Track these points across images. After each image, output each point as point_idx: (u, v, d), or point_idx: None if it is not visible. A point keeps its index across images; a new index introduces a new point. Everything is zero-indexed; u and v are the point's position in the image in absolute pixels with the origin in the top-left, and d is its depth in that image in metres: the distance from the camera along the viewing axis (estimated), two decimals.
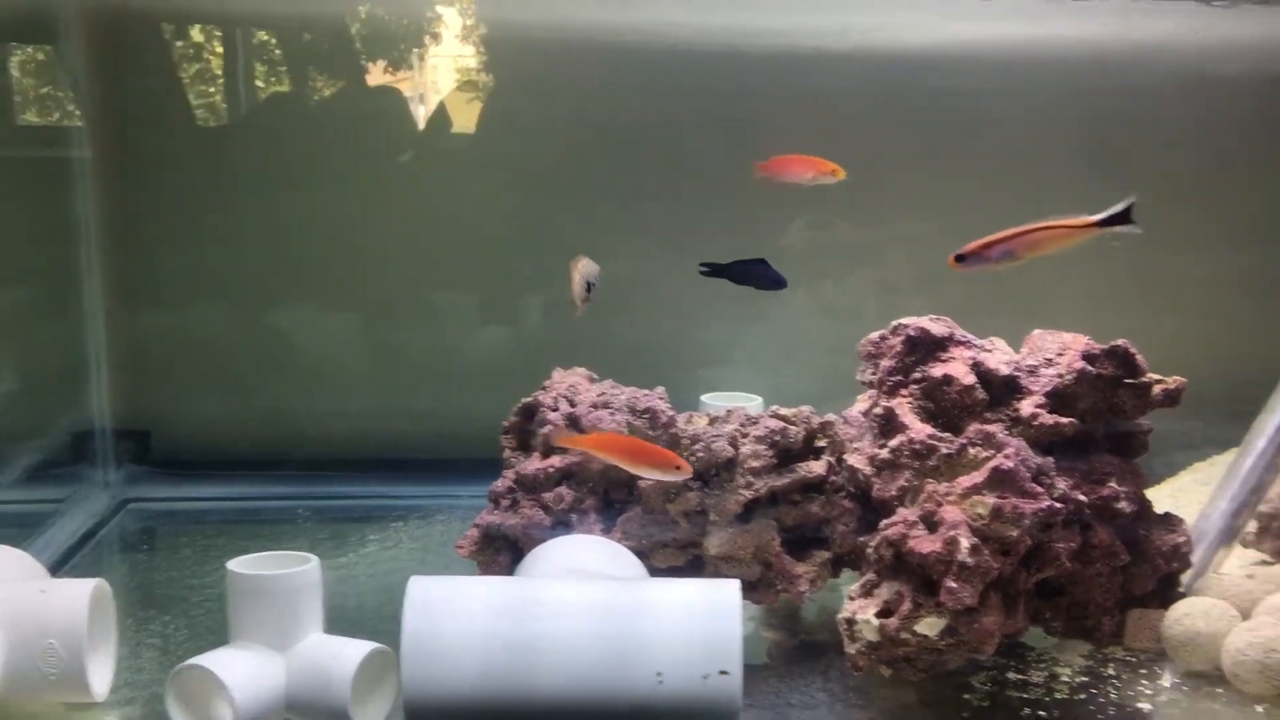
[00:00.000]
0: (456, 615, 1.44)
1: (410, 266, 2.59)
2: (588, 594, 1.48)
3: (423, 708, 1.42)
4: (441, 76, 2.65)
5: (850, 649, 1.60)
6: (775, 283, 1.76)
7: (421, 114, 2.62)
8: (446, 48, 2.65)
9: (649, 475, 1.68)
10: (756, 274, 1.79)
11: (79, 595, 1.52)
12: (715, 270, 1.77)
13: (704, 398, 2.15)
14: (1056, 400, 1.71)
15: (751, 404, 2.08)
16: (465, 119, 2.62)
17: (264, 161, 2.56)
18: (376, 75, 2.61)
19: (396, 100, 2.60)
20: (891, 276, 2.60)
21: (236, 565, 1.52)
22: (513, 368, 2.56)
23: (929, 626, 1.54)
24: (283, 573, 1.51)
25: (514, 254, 2.59)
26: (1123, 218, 1.59)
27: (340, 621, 1.63)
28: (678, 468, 1.62)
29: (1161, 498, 2.25)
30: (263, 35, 2.64)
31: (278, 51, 2.68)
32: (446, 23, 2.63)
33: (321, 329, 2.60)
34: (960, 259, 1.64)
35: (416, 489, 2.42)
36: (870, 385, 1.83)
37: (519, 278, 2.62)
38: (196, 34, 2.63)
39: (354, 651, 1.49)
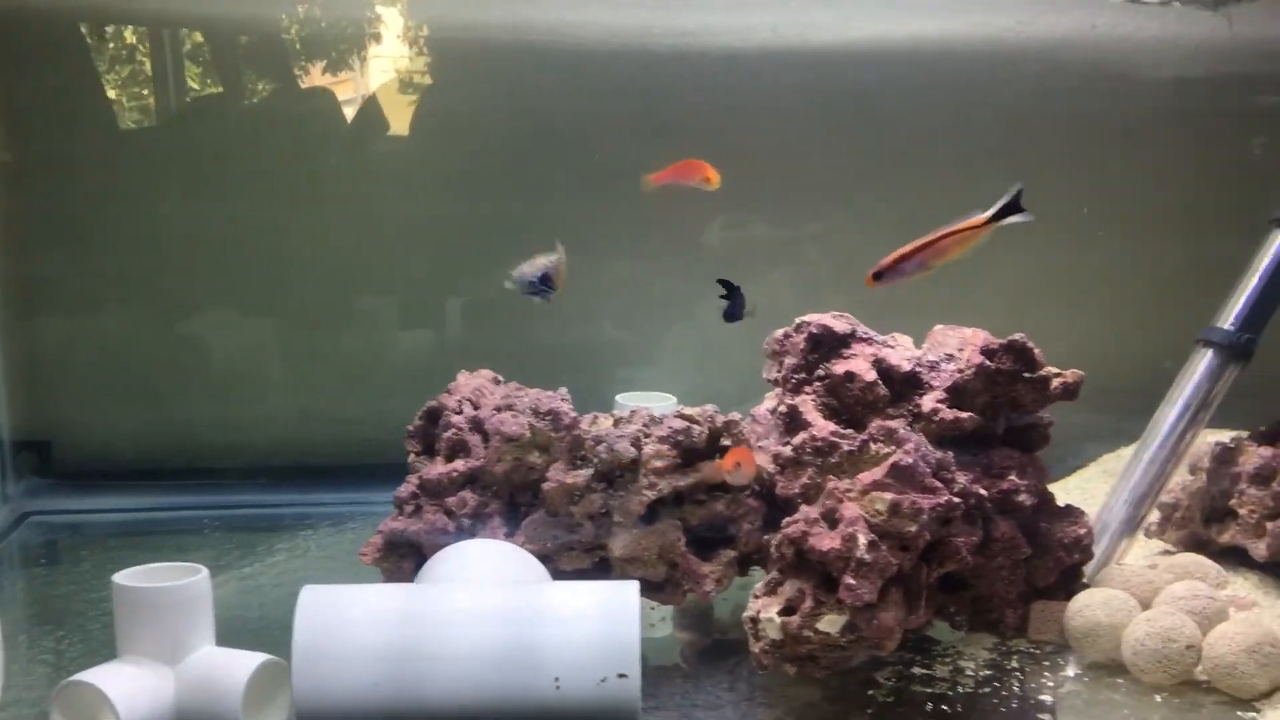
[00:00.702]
0: (348, 624, 1.42)
1: (329, 271, 2.56)
2: (482, 600, 1.47)
3: (315, 718, 1.40)
4: (374, 79, 2.62)
5: (755, 648, 1.60)
6: (733, 316, 1.75)
7: (351, 116, 2.59)
8: (381, 49, 2.62)
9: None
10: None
11: None
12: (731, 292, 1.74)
13: (618, 398, 2.15)
14: (956, 395, 1.72)
15: (666, 404, 2.08)
16: (399, 121, 2.59)
17: (178, 165, 2.51)
18: (309, 78, 2.58)
19: (327, 103, 2.56)
20: (810, 274, 2.61)
21: (122, 578, 1.49)
22: (432, 372, 2.52)
23: (830, 624, 1.54)
24: (169, 585, 1.47)
25: (434, 257, 2.56)
26: (1013, 208, 1.61)
27: (243, 633, 1.61)
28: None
29: (1071, 490, 2.29)
30: (184, 35, 2.59)
31: (200, 53, 2.63)
32: (382, 24, 2.60)
33: (234, 336, 2.56)
34: (877, 276, 1.67)
35: (330, 496, 2.39)
36: (775, 383, 1.83)
37: (440, 281, 2.60)
38: (106, 34, 2.57)
39: (245, 664, 1.46)
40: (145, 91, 2.60)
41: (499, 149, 2.51)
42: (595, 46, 2.45)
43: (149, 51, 2.58)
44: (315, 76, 2.58)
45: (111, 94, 2.55)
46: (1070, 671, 1.68)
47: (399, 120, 2.57)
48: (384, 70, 2.60)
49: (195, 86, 2.62)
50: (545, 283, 1.61)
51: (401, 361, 2.60)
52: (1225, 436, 1.97)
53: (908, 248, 1.67)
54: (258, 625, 1.79)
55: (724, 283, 1.73)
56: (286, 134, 2.54)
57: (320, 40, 2.57)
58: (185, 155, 2.51)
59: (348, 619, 1.42)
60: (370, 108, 2.58)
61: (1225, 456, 1.92)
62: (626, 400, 2.11)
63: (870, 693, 1.62)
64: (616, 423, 1.76)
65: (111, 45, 2.59)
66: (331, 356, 2.57)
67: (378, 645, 1.41)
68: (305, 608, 1.43)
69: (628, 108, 2.49)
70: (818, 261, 2.61)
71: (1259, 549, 1.85)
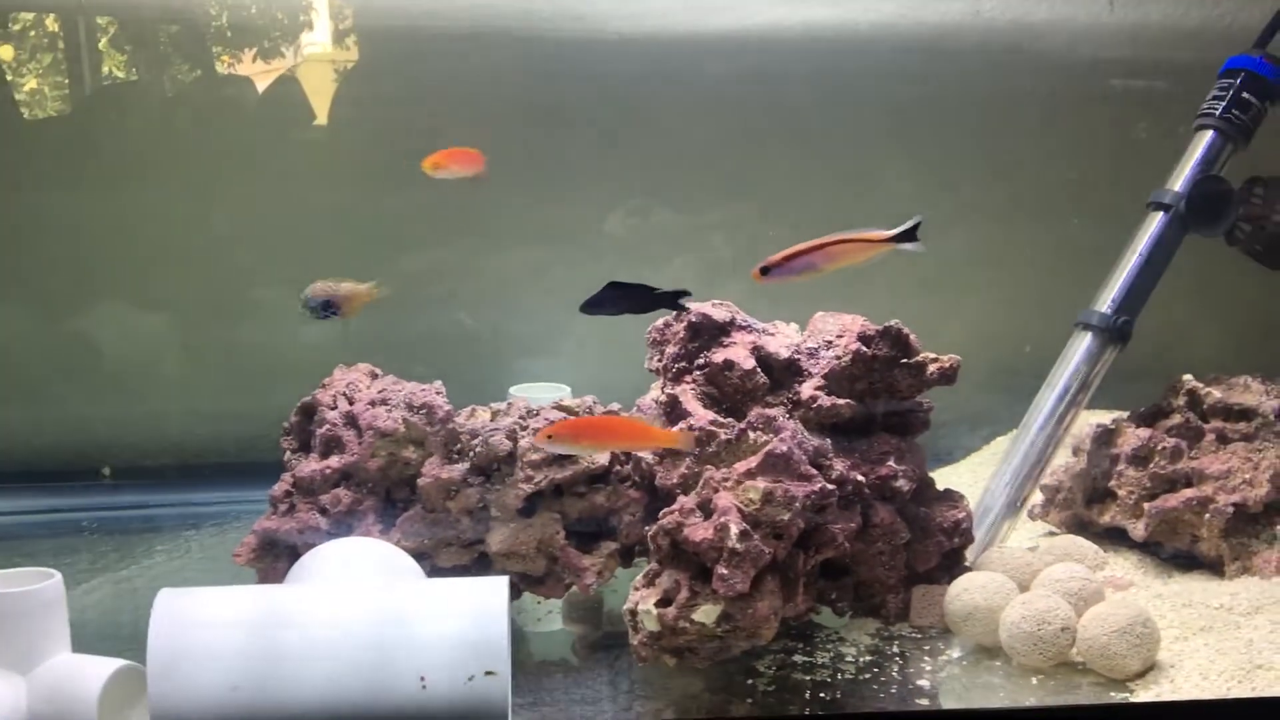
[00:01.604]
0: (204, 627, 1.38)
1: (229, 264, 2.49)
2: (346, 599, 1.43)
3: None
4: (296, 66, 2.56)
5: (634, 640, 1.58)
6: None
7: (256, 104, 2.52)
8: (305, 37, 2.56)
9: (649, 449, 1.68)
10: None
11: None
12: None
13: (512, 389, 2.12)
14: (835, 382, 1.71)
15: (558, 395, 2.06)
16: (318, 110, 2.53)
17: (68, 155, 2.43)
18: (238, 67, 2.51)
19: (246, 91, 2.50)
20: (712, 260, 2.60)
21: None
22: (328, 366, 2.48)
23: (706, 614, 1.53)
24: (17, 591, 1.42)
25: (335, 248, 2.51)
26: (909, 235, 1.68)
27: (113, 639, 1.57)
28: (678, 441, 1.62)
29: (962, 473, 2.30)
30: (98, 22, 2.50)
31: (117, 41, 2.54)
32: (313, 12, 2.54)
33: (124, 330, 2.48)
34: (765, 271, 1.70)
35: (216, 495, 2.34)
36: (657, 373, 1.82)
37: (342, 272, 2.54)
38: (7, 23, 2.48)
39: (99, 670, 1.42)
40: (60, 80, 2.53)
41: (400, 136, 2.46)
42: (486, 30, 2.41)
43: (48, 37, 2.50)
44: (244, 65, 2.52)
45: (30, 85, 2.47)
46: (951, 655, 1.68)
47: (317, 108, 2.52)
48: (303, 58, 2.55)
49: (119, 74, 2.54)
50: (328, 308, 1.78)
51: (296, 355, 2.54)
52: (1105, 418, 1.99)
53: (801, 246, 1.70)
54: (130, 630, 1.73)
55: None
56: (197, 122, 2.48)
57: (246, 28, 2.50)
58: (82, 145, 2.43)
59: (205, 622, 1.38)
60: (285, 97, 2.52)
61: (1104, 438, 1.94)
62: (519, 392, 2.09)
63: (751, 682, 1.62)
64: (493, 416, 1.74)
65: (32, 35, 2.50)
66: (223, 352, 2.51)
67: (237, 648, 1.37)
68: (161, 611, 1.38)
69: (523, 94, 2.46)
70: (720, 248, 2.60)
71: (1137, 529, 1.87)
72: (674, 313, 1.79)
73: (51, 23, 2.50)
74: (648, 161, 2.52)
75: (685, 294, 1.78)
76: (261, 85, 2.53)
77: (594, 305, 1.72)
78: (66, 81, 2.52)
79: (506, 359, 2.52)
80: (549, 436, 1.60)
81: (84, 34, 2.49)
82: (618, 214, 2.57)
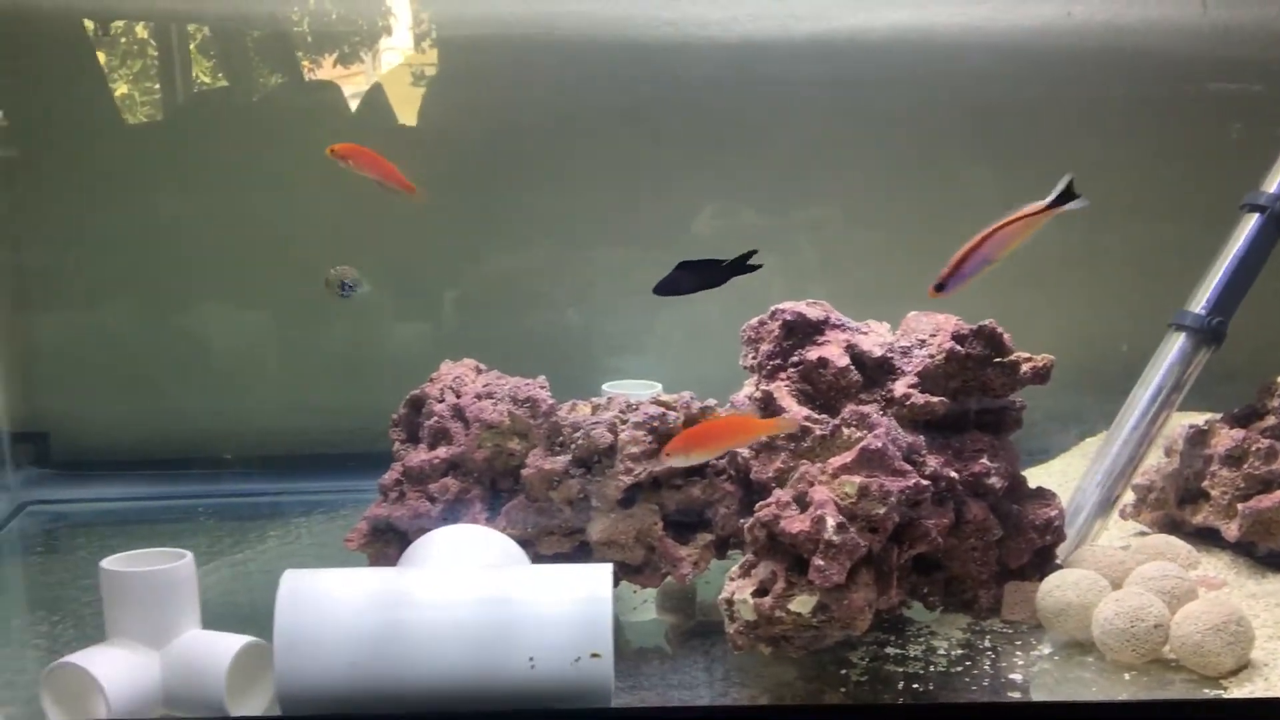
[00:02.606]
0: (326, 607, 1.45)
1: (324, 264, 2.58)
2: (460, 582, 1.50)
3: (295, 699, 1.44)
4: (382, 71, 2.65)
5: (730, 629, 1.63)
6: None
7: (354, 109, 2.61)
8: (389, 42, 2.65)
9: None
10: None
11: None
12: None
13: (605, 386, 2.18)
14: (928, 380, 1.74)
15: (651, 392, 2.11)
16: (404, 114, 2.61)
17: (175, 159, 2.54)
18: (319, 72, 2.60)
19: (334, 96, 2.59)
20: (798, 262, 2.64)
21: (109, 563, 1.53)
22: (426, 362, 2.56)
23: (801, 604, 1.57)
24: (155, 569, 1.51)
25: (430, 249, 2.59)
26: (1067, 196, 1.64)
27: (233, 618, 1.64)
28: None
29: (1054, 473, 2.31)
30: (190, 31, 2.61)
31: (206, 48, 2.66)
32: (394, 16, 2.62)
33: (229, 327, 2.59)
34: (939, 288, 1.64)
35: (324, 484, 2.42)
36: (751, 369, 1.86)
37: (435, 272, 2.63)
38: (111, 29, 2.60)
39: (228, 645, 1.50)
40: (148, 87, 2.64)
41: (492, 140, 2.54)
42: (578, 37, 2.47)
43: (154, 47, 2.62)
44: (325, 70, 2.61)
45: (121, 91, 2.59)
46: (1042, 650, 1.70)
47: (403, 113, 2.60)
48: (389, 63, 2.64)
49: (207, 81, 2.65)
50: (346, 287, 1.96)
51: (395, 351, 2.64)
52: (1198, 419, 2.00)
53: (964, 249, 1.64)
54: (247, 610, 1.82)
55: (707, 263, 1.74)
56: (287, 127, 2.57)
57: (329, 34, 2.59)
58: (183, 149, 2.55)
59: (327, 601, 1.46)
60: (373, 101, 2.60)
61: (1197, 439, 1.95)
62: (613, 388, 2.14)
63: (844, 672, 1.65)
64: (594, 410, 1.79)
65: (122, 40, 2.62)
66: (326, 347, 2.60)
67: (356, 626, 1.44)
68: (286, 590, 1.46)
69: (613, 98, 2.51)
70: (805, 250, 2.63)
71: (1230, 530, 1.88)
72: (748, 274, 1.71)
73: (141, 30, 2.62)
74: (734, 164, 2.56)
75: (752, 253, 1.72)
76: (352, 89, 2.62)
77: (667, 286, 1.73)
78: (156, 87, 2.63)
79: (595, 357, 2.59)
80: (667, 454, 1.66)
81: (176, 40, 2.60)
82: (704, 215, 2.61)
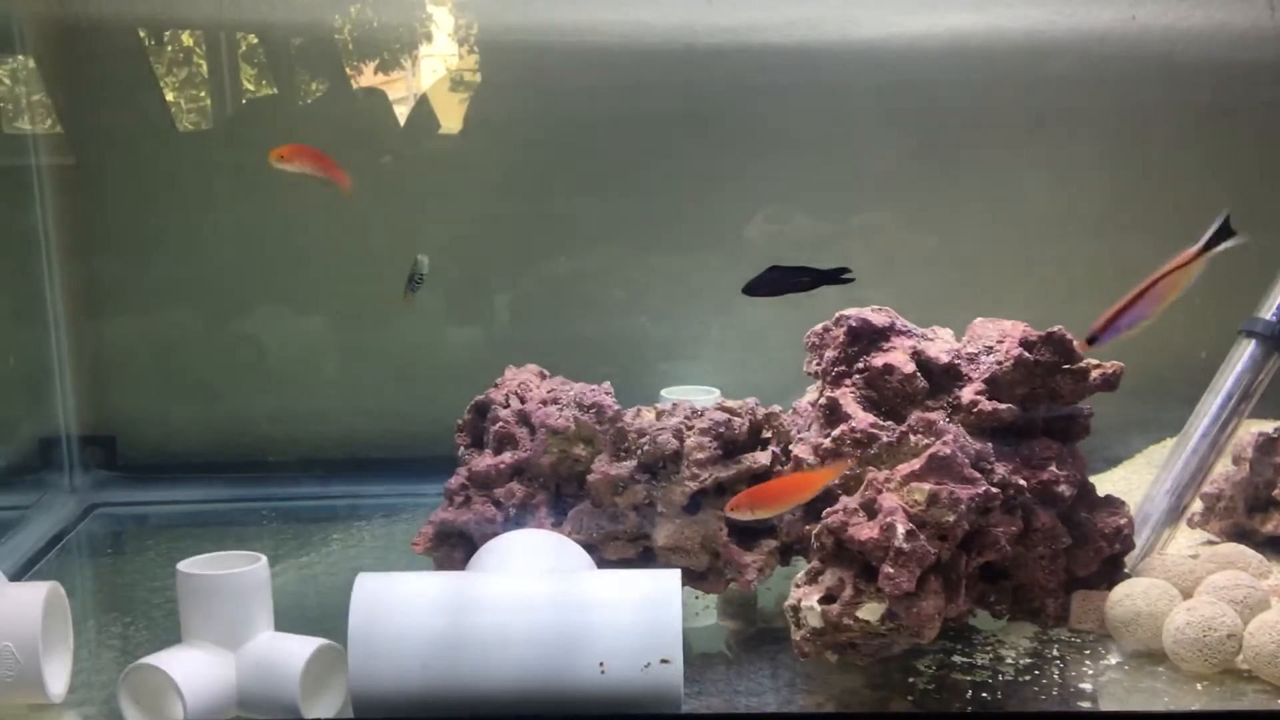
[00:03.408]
0: (400, 611, 1.46)
1: (380, 268, 2.61)
2: (529, 587, 1.51)
3: (369, 701, 1.45)
4: (426, 78, 2.67)
5: (796, 635, 1.63)
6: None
7: (402, 116, 2.64)
8: (432, 48, 2.67)
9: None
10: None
11: (33, 599, 1.55)
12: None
13: (663, 392, 2.19)
14: (995, 387, 1.73)
15: (710, 397, 2.11)
16: (449, 120, 2.64)
17: (233, 166, 2.58)
18: (361, 78, 2.63)
19: (380, 102, 2.61)
20: (853, 267, 2.62)
21: (186, 566, 1.55)
22: (480, 366, 2.57)
23: (870, 612, 1.57)
24: (230, 572, 1.53)
25: (482, 253, 2.61)
26: (1223, 234, 1.61)
27: (301, 620, 1.66)
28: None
29: (1117, 481, 2.29)
30: (238, 38, 2.65)
31: (253, 55, 2.70)
32: (435, 24, 2.65)
33: (290, 332, 2.62)
34: (1091, 340, 1.63)
35: (383, 488, 2.45)
36: (815, 376, 1.86)
37: (488, 276, 2.65)
38: (164, 39, 2.64)
39: (302, 648, 1.52)
40: (201, 94, 2.68)
41: (543, 145, 2.56)
42: (634, 43, 2.48)
43: (205, 55, 2.66)
44: (367, 77, 2.64)
45: (169, 98, 2.63)
46: (1111, 660, 1.69)
47: (449, 119, 2.62)
48: (434, 69, 2.66)
49: (250, 88, 2.69)
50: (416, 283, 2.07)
51: (450, 356, 2.66)
52: (1268, 427, 1.97)
53: (1120, 303, 1.62)
54: (315, 612, 1.85)
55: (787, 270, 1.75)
56: (338, 134, 2.60)
57: (372, 41, 2.62)
58: (240, 156, 2.58)
59: (400, 605, 1.47)
60: (421, 107, 2.63)
61: (1268, 447, 1.92)
62: (672, 394, 2.15)
63: (911, 680, 1.65)
64: (659, 416, 1.80)
65: (169, 49, 2.66)
66: (383, 352, 2.63)
67: (429, 630, 1.45)
68: (360, 594, 1.48)
69: (669, 104, 2.52)
70: (860, 255, 2.62)
71: None
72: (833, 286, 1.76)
73: (187, 38, 2.65)
74: (788, 169, 2.56)
75: (846, 270, 1.77)
76: (404, 95, 2.65)
77: (756, 287, 1.74)
78: (203, 94, 2.67)
79: (650, 362, 2.59)
80: (731, 510, 1.67)
81: (225, 47, 2.64)
82: (757, 220, 2.61)
